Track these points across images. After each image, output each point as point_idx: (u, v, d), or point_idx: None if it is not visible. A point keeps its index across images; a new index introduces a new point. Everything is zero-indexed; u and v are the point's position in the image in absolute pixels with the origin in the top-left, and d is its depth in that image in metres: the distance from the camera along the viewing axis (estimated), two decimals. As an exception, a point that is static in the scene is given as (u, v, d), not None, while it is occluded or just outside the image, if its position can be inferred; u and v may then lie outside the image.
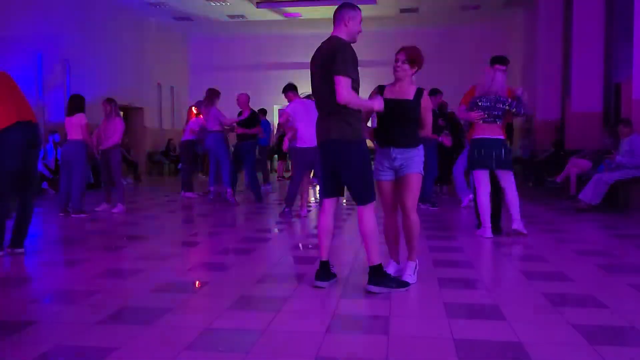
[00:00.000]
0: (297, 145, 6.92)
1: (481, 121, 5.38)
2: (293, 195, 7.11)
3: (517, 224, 5.49)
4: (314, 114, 6.99)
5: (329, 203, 3.69)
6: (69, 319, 3.07)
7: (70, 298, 3.53)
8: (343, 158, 3.47)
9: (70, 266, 4.44)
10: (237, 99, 9.03)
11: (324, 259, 3.68)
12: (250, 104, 9.09)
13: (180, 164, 10.21)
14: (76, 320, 3.04)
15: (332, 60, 3.35)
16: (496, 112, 5.35)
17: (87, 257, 4.73)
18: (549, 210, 7.77)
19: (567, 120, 11.83)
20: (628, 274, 4.08)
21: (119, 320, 3.02)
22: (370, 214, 3.52)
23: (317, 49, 3.59)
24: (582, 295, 3.52)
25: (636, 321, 2.98)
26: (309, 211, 7.35)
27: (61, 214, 7.32)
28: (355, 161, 3.46)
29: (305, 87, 10.34)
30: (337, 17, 3.53)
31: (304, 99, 7.20)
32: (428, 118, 3.84)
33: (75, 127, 7.29)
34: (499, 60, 5.76)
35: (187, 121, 10.69)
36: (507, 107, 5.36)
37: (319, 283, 3.65)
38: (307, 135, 6.75)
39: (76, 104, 7.39)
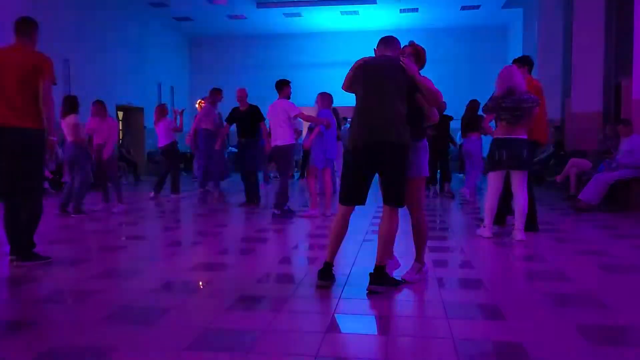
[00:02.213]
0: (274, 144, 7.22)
1: (505, 122, 5.28)
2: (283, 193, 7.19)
3: (521, 234, 5.39)
4: (278, 114, 7.09)
5: (349, 210, 3.69)
6: (69, 319, 3.07)
7: (70, 298, 3.53)
8: (397, 160, 3.52)
9: (70, 266, 4.44)
10: (237, 94, 8.42)
11: (329, 261, 3.68)
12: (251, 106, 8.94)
13: (171, 168, 9.92)
14: (76, 320, 3.04)
15: (411, 77, 3.56)
16: (519, 113, 5.21)
17: (87, 257, 4.73)
18: (549, 210, 7.76)
19: (567, 120, 11.83)
20: (628, 274, 4.08)
21: (119, 320, 3.02)
22: (396, 217, 3.60)
23: (376, 59, 3.70)
24: (582, 295, 3.52)
25: (636, 321, 2.98)
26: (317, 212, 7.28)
27: (59, 214, 7.32)
28: (404, 164, 3.56)
29: (303, 86, 10.23)
30: (393, 44, 3.77)
31: (276, 100, 7.29)
32: (427, 88, 3.62)
33: (70, 128, 7.32)
34: (517, 60, 5.84)
35: (157, 122, 9.72)
36: (531, 105, 5.22)
37: (321, 282, 3.65)
38: (272, 135, 7.20)
39: (69, 105, 7.39)
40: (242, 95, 8.39)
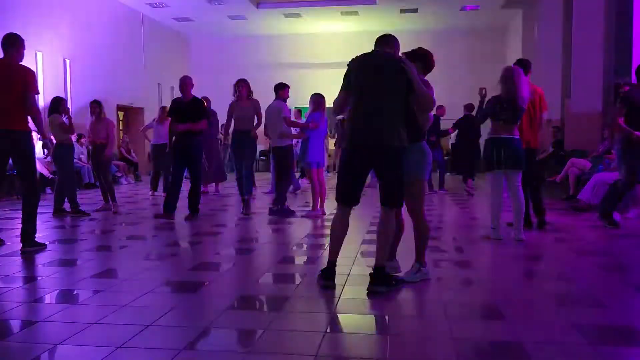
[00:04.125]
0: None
1: (502, 122, 5.29)
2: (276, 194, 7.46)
3: (520, 234, 5.38)
4: (274, 115, 7.16)
5: (349, 210, 3.69)
6: (68, 319, 3.07)
7: (70, 298, 3.53)
8: (394, 162, 3.53)
9: (71, 266, 4.44)
10: (179, 83, 7.19)
11: (333, 260, 3.68)
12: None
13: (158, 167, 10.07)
14: (76, 320, 3.04)
15: (408, 75, 3.51)
16: (519, 113, 5.25)
17: (87, 257, 4.73)
18: (549, 210, 7.76)
19: (567, 120, 11.83)
20: (628, 274, 4.08)
21: (119, 320, 3.02)
22: (394, 217, 3.62)
23: (372, 56, 3.66)
24: (582, 295, 3.52)
25: (636, 321, 2.98)
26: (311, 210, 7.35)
27: (55, 214, 7.31)
28: (400, 166, 3.57)
29: (303, 87, 10.21)
30: (390, 42, 3.74)
31: (273, 102, 7.40)
32: (422, 92, 3.57)
33: (54, 129, 7.30)
34: (516, 64, 5.83)
35: (162, 121, 9.98)
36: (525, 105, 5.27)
37: (325, 282, 3.65)
38: (271, 136, 7.36)
39: (53, 106, 7.40)
40: (185, 84, 7.05)
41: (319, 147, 7.26)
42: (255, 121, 7.31)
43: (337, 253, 3.69)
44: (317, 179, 7.23)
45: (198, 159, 6.97)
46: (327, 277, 3.65)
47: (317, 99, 7.32)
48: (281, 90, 7.46)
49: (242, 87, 7.34)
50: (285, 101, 7.43)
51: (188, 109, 6.92)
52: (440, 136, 11.43)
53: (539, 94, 5.85)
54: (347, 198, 3.65)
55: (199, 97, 7.22)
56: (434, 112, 10.74)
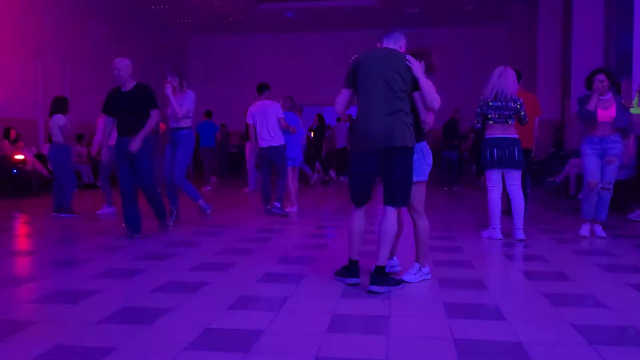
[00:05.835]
0: (260, 145, 7.39)
1: (492, 122, 5.34)
2: (266, 194, 7.39)
3: (520, 234, 5.41)
4: (270, 115, 7.18)
5: (363, 209, 3.72)
6: (69, 319, 3.07)
7: (70, 298, 3.53)
8: (403, 163, 3.53)
9: (70, 266, 4.43)
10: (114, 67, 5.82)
11: (355, 258, 3.70)
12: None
13: None
14: (76, 320, 3.03)
15: (413, 72, 3.51)
16: (507, 112, 5.27)
17: (87, 257, 4.73)
18: (549, 210, 7.77)
19: (567, 120, 11.84)
20: (628, 274, 4.08)
21: (119, 320, 3.02)
22: (396, 216, 3.63)
23: (378, 53, 3.65)
24: (582, 295, 3.52)
25: (636, 321, 2.98)
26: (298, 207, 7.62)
27: (55, 214, 7.30)
28: (409, 166, 3.57)
29: (302, 86, 10.15)
30: (395, 37, 3.75)
31: (262, 101, 7.45)
32: (428, 91, 3.59)
33: (54, 129, 7.28)
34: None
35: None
36: (518, 106, 5.29)
37: (351, 280, 3.67)
38: (263, 135, 7.30)
39: (56, 106, 7.36)
40: (122, 68, 5.75)
41: (297, 145, 7.66)
42: (182, 114, 6.17)
43: (358, 251, 3.71)
44: (292, 176, 7.65)
45: (146, 161, 5.51)
46: (352, 275, 3.68)
47: (291, 101, 7.87)
48: (267, 91, 7.49)
49: (171, 78, 6.28)
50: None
51: (129, 101, 5.61)
52: (461, 139, 11.54)
53: (532, 99, 5.88)
54: (361, 199, 3.69)
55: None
56: (451, 114, 10.95)
